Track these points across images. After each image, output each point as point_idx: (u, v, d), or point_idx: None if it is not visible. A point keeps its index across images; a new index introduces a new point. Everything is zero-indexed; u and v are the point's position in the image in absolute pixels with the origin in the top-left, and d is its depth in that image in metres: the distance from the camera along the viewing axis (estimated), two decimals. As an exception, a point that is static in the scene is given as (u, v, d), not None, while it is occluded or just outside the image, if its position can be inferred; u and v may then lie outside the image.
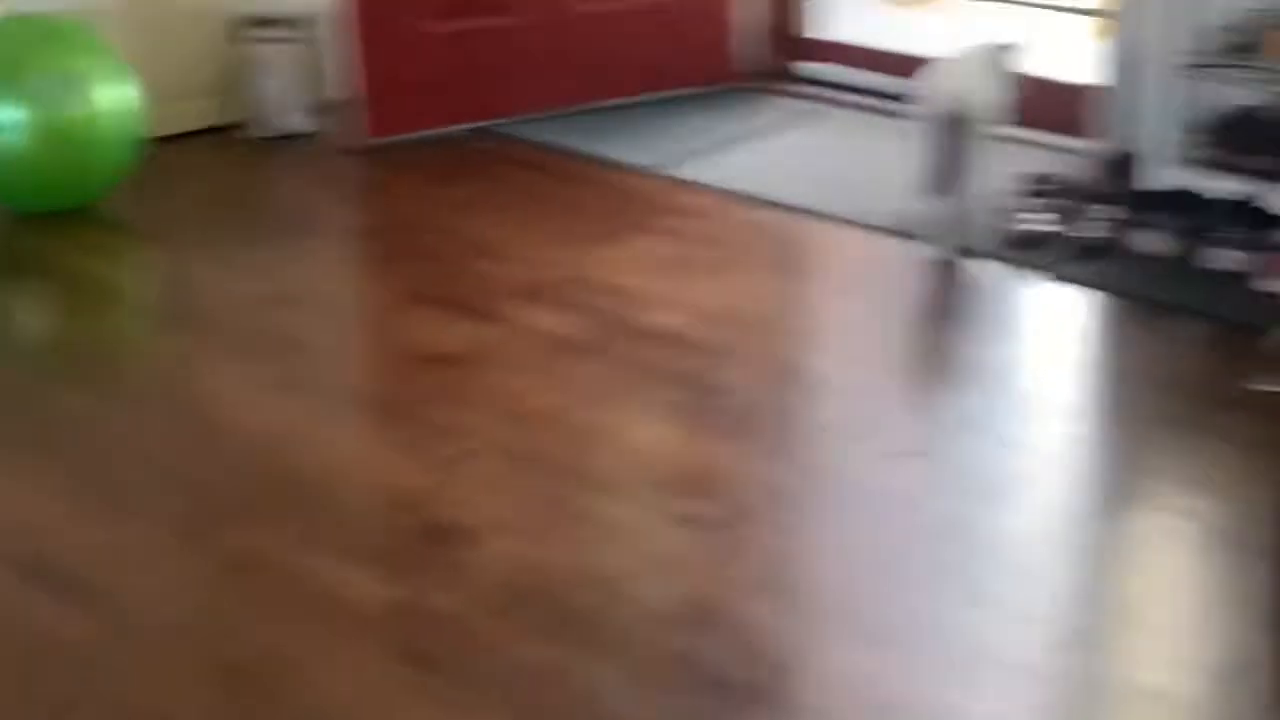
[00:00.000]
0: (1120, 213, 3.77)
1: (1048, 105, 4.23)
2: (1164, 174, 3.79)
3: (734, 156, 4.41)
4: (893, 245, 3.84)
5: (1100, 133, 4.26)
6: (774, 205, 4.09)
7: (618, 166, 4.37)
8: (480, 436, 3.02)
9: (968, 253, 3.72)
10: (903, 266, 3.77)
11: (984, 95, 3.82)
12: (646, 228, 4.00)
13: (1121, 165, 4.01)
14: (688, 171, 4.31)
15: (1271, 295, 3.44)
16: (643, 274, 3.72)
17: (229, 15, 4.59)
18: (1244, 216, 3.60)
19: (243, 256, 3.83)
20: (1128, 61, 4.17)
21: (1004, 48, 4.08)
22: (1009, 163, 4.14)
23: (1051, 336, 3.52)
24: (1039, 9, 4.69)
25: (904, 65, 4.71)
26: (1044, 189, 3.92)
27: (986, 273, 3.71)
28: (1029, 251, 3.73)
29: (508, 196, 4.21)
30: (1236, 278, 3.52)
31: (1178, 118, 3.75)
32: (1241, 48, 3.65)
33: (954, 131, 3.74)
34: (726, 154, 4.43)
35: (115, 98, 3.97)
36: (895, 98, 4.66)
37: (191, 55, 4.56)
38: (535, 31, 4.66)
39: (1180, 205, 3.70)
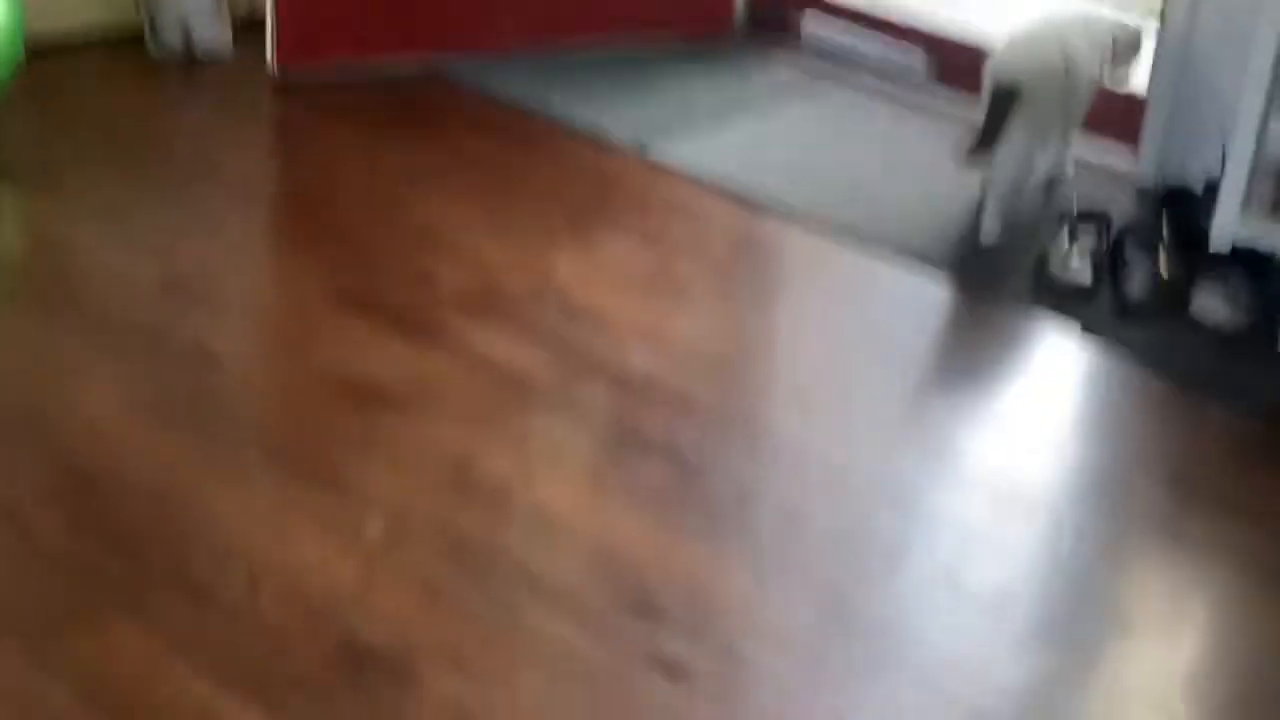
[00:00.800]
0: (1178, 266, 3.32)
1: (1096, 111, 3.77)
2: (1234, 223, 3.32)
3: (726, 135, 3.89)
4: (906, 271, 3.37)
5: (1152, 157, 3.80)
6: (771, 209, 3.59)
7: (592, 136, 3.83)
8: (415, 513, 2.53)
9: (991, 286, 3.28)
10: (915, 298, 3.32)
11: (1056, 77, 3.47)
12: (623, 225, 3.49)
13: (1178, 203, 3.55)
14: (673, 150, 3.79)
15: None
16: (617, 291, 3.23)
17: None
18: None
19: (131, 219, 3.28)
20: (1181, 65, 3.70)
21: (1109, 26, 3.67)
22: (1061, 179, 3.72)
23: (1075, 412, 3.08)
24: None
25: (935, 44, 4.26)
26: (1088, 221, 3.45)
27: (1009, 316, 3.26)
28: (1064, 299, 3.28)
29: (459, 166, 3.67)
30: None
31: (1252, 151, 3.27)
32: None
33: (1001, 105, 3.40)
34: (718, 130, 3.91)
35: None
36: (922, 79, 4.22)
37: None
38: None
39: (1254, 266, 3.25)
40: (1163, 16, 3.78)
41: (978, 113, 3.46)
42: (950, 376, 3.16)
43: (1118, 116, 3.82)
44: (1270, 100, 3.18)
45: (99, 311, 2.98)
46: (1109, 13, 3.77)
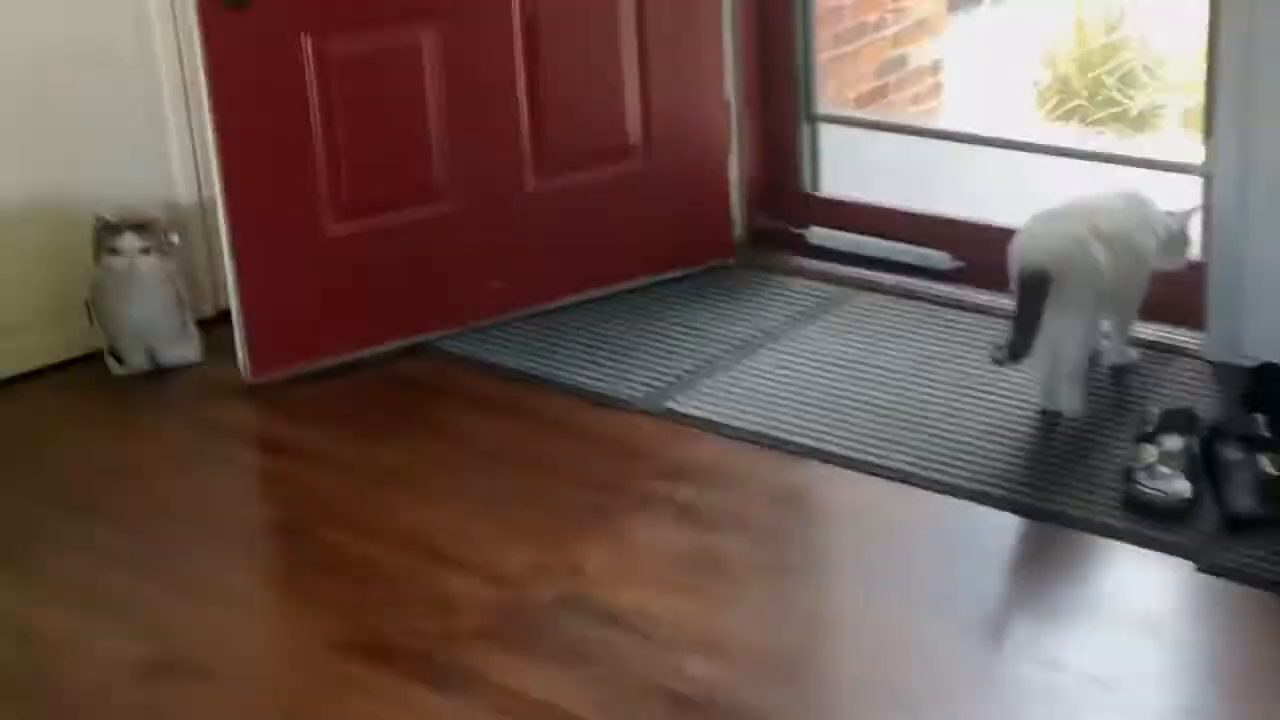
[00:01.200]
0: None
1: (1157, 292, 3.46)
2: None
3: (749, 374, 3.58)
4: (970, 507, 3.04)
5: (1221, 333, 3.48)
6: (810, 455, 3.26)
7: (604, 400, 3.52)
8: None
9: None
10: (987, 540, 2.99)
11: (1087, 255, 3.22)
12: (649, 502, 3.15)
13: (1268, 382, 3.23)
14: (694, 402, 3.47)
15: None
16: (656, 584, 2.88)
17: (73, 218, 3.70)
18: None
19: (104, 588, 2.95)
20: (1237, 222, 3.40)
21: (1146, 199, 3.42)
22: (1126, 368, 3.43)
23: (1192, 659, 2.71)
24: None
25: (942, 231, 3.97)
26: (1171, 421, 3.12)
27: (1095, 548, 2.92)
28: (1157, 518, 2.94)
29: (455, 458, 3.34)
30: None
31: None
32: None
33: (1035, 293, 3.14)
34: (739, 369, 3.60)
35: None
36: (938, 273, 3.92)
37: (27, 272, 3.71)
38: (476, 219, 3.81)
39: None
40: (1207, 177, 3.49)
41: (1010, 307, 3.18)
42: (1042, 636, 2.79)
43: (1181, 294, 3.50)
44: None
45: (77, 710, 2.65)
46: (1155, 200, 3.48)
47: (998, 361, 3.14)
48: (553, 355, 3.71)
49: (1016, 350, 3.12)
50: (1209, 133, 3.49)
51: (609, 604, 2.82)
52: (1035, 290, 3.12)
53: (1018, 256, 3.21)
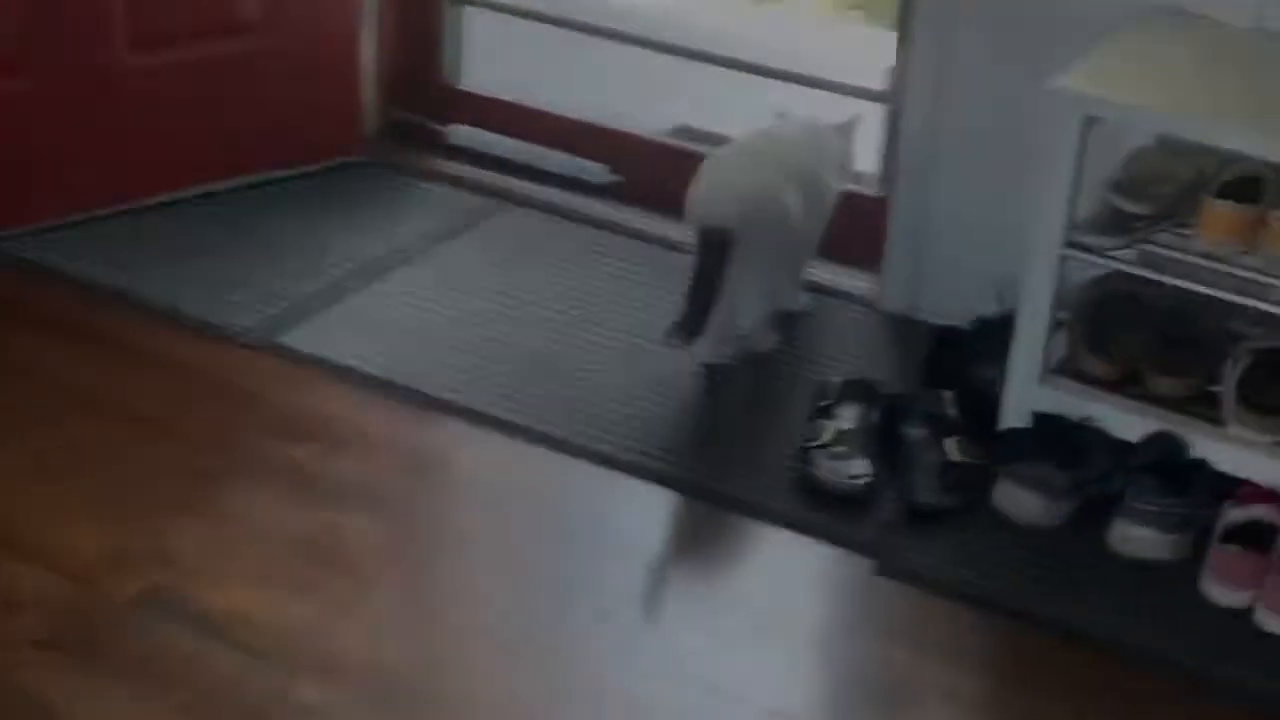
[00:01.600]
0: (971, 445, 2.75)
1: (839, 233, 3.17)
2: (1032, 388, 2.75)
3: (374, 301, 3.14)
4: (628, 481, 2.72)
5: (899, 288, 3.21)
6: (449, 410, 2.87)
7: (198, 327, 3.03)
8: None
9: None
10: (645, 519, 2.67)
11: (778, 208, 2.90)
12: (258, 467, 2.71)
13: (950, 350, 2.98)
14: (306, 337, 3.02)
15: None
16: (264, 582, 2.45)
17: None
18: (1166, 467, 2.61)
19: None
20: (925, 170, 3.13)
21: (826, 129, 3.10)
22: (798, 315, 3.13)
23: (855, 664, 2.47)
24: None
25: (601, 140, 3.59)
26: (850, 392, 2.84)
27: (763, 536, 2.64)
28: (830, 512, 2.67)
29: (12, 400, 2.82)
30: (1167, 573, 2.55)
31: (1049, 290, 2.70)
32: (1157, 214, 2.64)
33: (716, 257, 2.79)
34: (363, 294, 3.16)
35: None
36: (595, 187, 3.56)
37: None
38: (62, 100, 3.23)
39: (1069, 440, 2.69)
40: (893, 108, 3.19)
41: (685, 272, 2.83)
42: (691, 648, 2.50)
43: (861, 236, 3.23)
44: (1069, 221, 2.62)
45: None
46: (825, 118, 3.17)
47: (672, 345, 2.80)
48: (144, 268, 3.18)
49: (693, 326, 2.77)
50: (903, 38, 3.17)
51: (204, 606, 2.39)
52: (717, 254, 2.77)
53: (696, 213, 2.85)
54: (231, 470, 2.71)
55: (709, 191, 2.87)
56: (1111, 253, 2.62)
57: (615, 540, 2.64)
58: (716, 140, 3.24)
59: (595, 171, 3.58)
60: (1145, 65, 2.69)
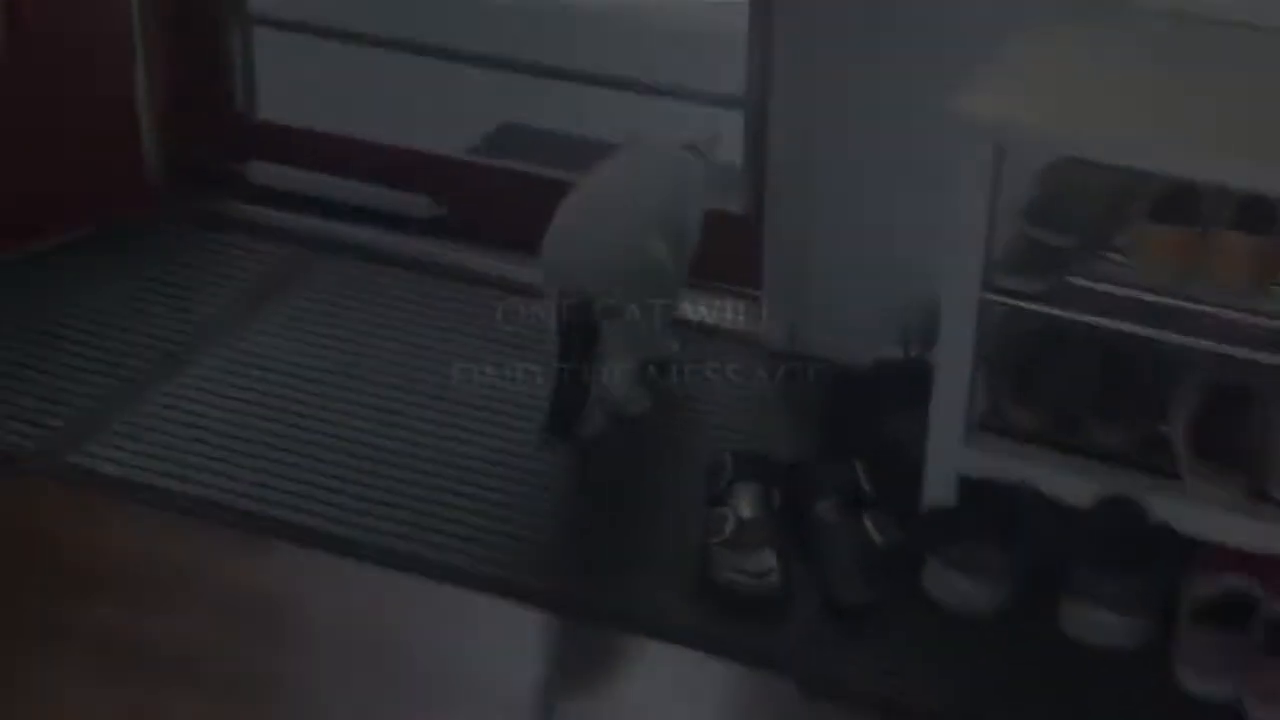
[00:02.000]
0: (888, 528, 2.40)
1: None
2: (956, 453, 2.38)
3: (180, 399, 2.70)
4: (487, 604, 2.34)
5: (776, 316, 2.84)
6: (277, 529, 2.46)
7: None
8: None
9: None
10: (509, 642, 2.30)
11: (640, 258, 2.53)
12: (54, 632, 2.27)
13: (855, 402, 2.63)
14: (101, 452, 2.58)
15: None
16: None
17: None
18: (1120, 535, 2.28)
19: None
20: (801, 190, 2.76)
21: (683, 155, 2.72)
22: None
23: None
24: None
25: (421, 168, 3.17)
26: (746, 473, 2.46)
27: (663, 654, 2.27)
28: (740, 621, 2.30)
29: None
30: (1133, 663, 2.23)
31: (971, 335, 2.33)
32: (1082, 243, 2.30)
33: (582, 335, 2.43)
34: (165, 390, 2.72)
35: None
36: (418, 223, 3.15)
37: None
38: None
39: (1004, 510, 2.34)
40: (754, 129, 2.82)
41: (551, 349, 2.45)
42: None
43: (734, 263, 2.85)
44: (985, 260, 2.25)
45: None
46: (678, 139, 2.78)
47: (548, 447, 2.41)
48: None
49: (569, 419, 2.39)
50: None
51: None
52: (582, 331, 2.38)
53: (554, 281, 2.46)
54: (21, 639, 2.27)
55: (565, 253, 2.48)
56: (1036, 294, 2.28)
57: (477, 678, 2.25)
58: (545, 138, 2.86)
59: (417, 205, 3.17)
60: (1058, 69, 2.34)
